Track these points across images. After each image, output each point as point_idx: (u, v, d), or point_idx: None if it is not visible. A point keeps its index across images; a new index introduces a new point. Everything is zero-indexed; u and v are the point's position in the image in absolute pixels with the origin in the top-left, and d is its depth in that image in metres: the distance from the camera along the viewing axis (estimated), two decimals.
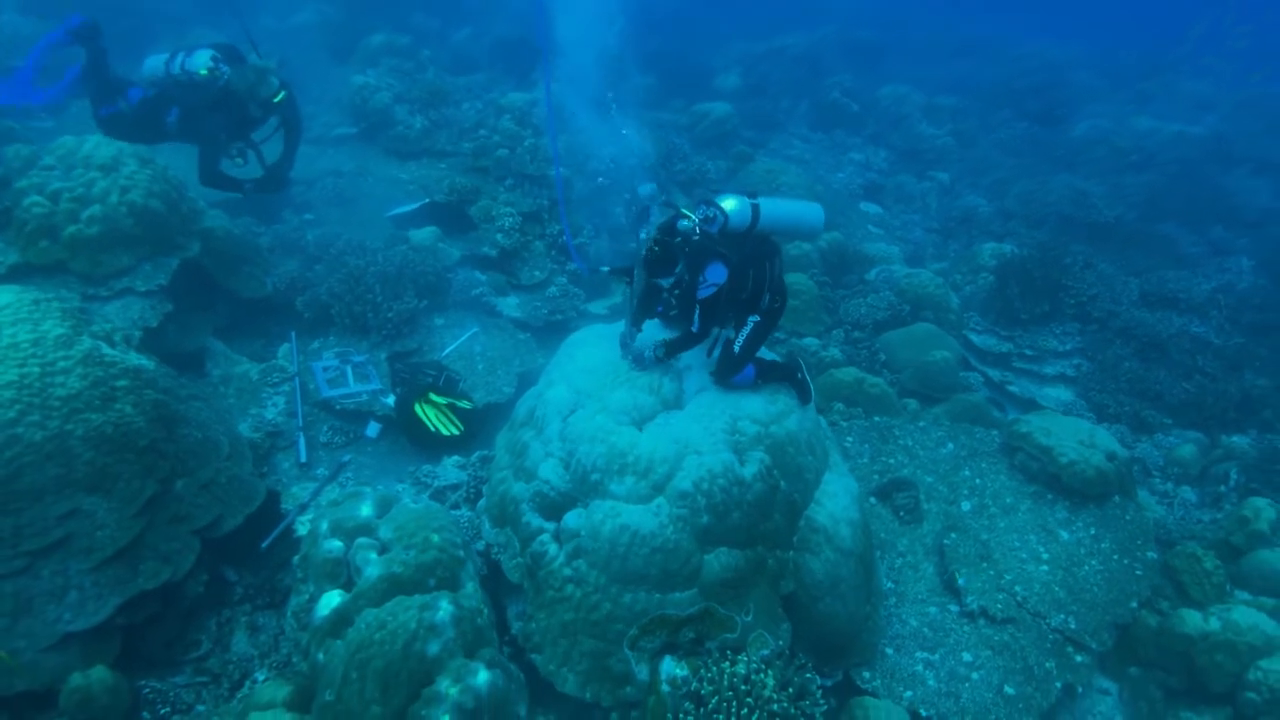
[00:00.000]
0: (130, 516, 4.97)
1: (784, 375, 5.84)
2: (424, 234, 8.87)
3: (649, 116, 14.96)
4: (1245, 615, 6.57)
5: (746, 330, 5.48)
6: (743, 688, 4.85)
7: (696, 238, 5.22)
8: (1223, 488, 8.71)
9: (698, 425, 5.33)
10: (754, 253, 5.38)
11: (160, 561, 5.05)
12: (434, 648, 4.56)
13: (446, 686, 4.49)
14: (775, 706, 4.85)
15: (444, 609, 4.69)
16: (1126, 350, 10.90)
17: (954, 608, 6.68)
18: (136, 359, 5.57)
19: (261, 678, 5.26)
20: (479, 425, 7.20)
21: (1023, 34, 27.46)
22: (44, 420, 4.74)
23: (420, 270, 8.13)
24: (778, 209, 5.49)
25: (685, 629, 5.05)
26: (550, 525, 5.28)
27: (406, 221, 9.35)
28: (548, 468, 5.33)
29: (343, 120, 11.39)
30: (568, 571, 5.09)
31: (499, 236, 9.23)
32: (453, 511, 6.01)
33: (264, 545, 5.61)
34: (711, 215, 5.30)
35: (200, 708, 5.01)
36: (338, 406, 7.06)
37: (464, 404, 7.17)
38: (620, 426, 5.28)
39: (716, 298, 5.30)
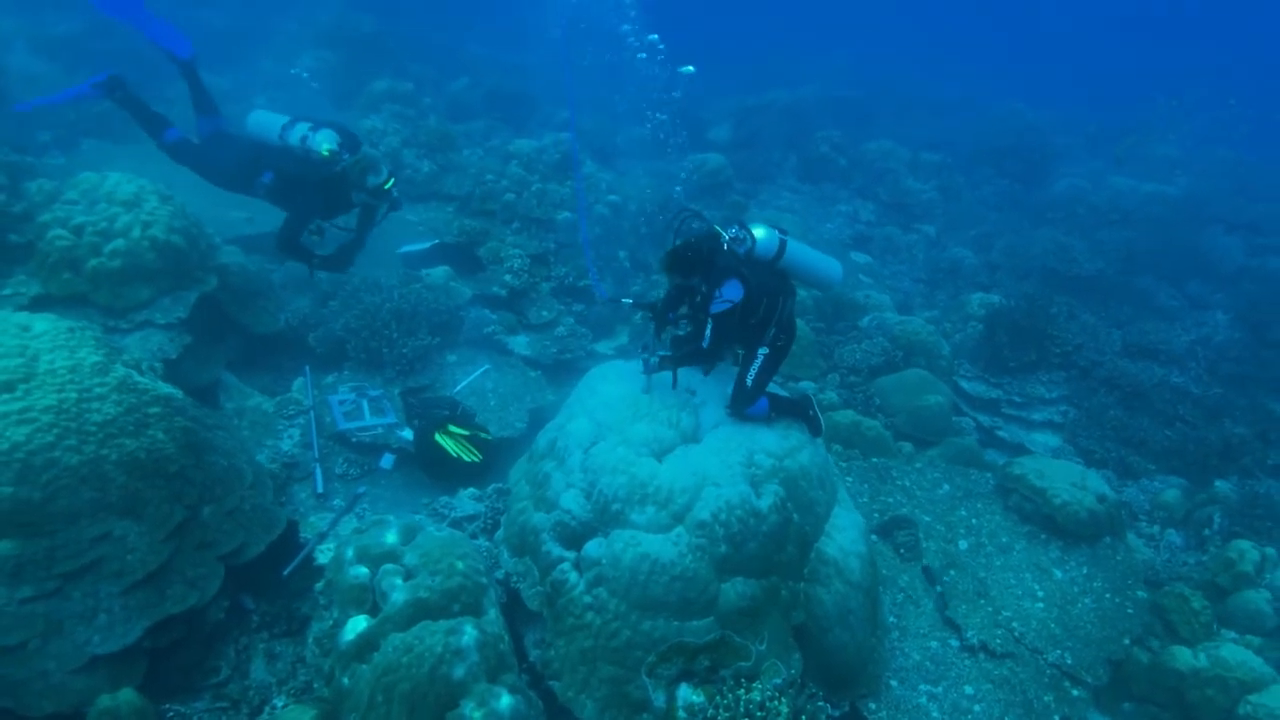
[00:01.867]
0: (160, 541, 5.05)
1: (797, 411, 6.05)
2: (437, 273, 9.07)
3: (645, 166, 15.34)
4: (1234, 652, 6.79)
5: (757, 363, 5.69)
6: (758, 714, 4.96)
7: (724, 250, 5.47)
8: (1207, 531, 8.95)
9: (716, 458, 5.51)
10: (771, 285, 5.61)
11: (187, 586, 5.12)
12: (459, 672, 4.66)
13: (471, 710, 4.58)
14: None
15: (469, 633, 4.80)
16: (1111, 399, 11.21)
17: (955, 642, 6.84)
18: (166, 387, 5.70)
19: (280, 704, 5.31)
20: (493, 458, 7.33)
21: (998, 96, 28.37)
22: (80, 445, 4.84)
23: (433, 308, 8.33)
24: (803, 251, 5.76)
25: (701, 656, 5.16)
26: (570, 554, 5.40)
27: (417, 260, 9.55)
28: (569, 498, 5.47)
29: None
30: (588, 599, 5.21)
31: (508, 277, 9.46)
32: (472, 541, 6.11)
33: (286, 572, 5.69)
34: (741, 236, 5.56)
35: None
36: (354, 439, 7.18)
37: (485, 435, 7.31)
38: (641, 458, 5.45)
39: (729, 315, 5.52)
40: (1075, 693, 6.64)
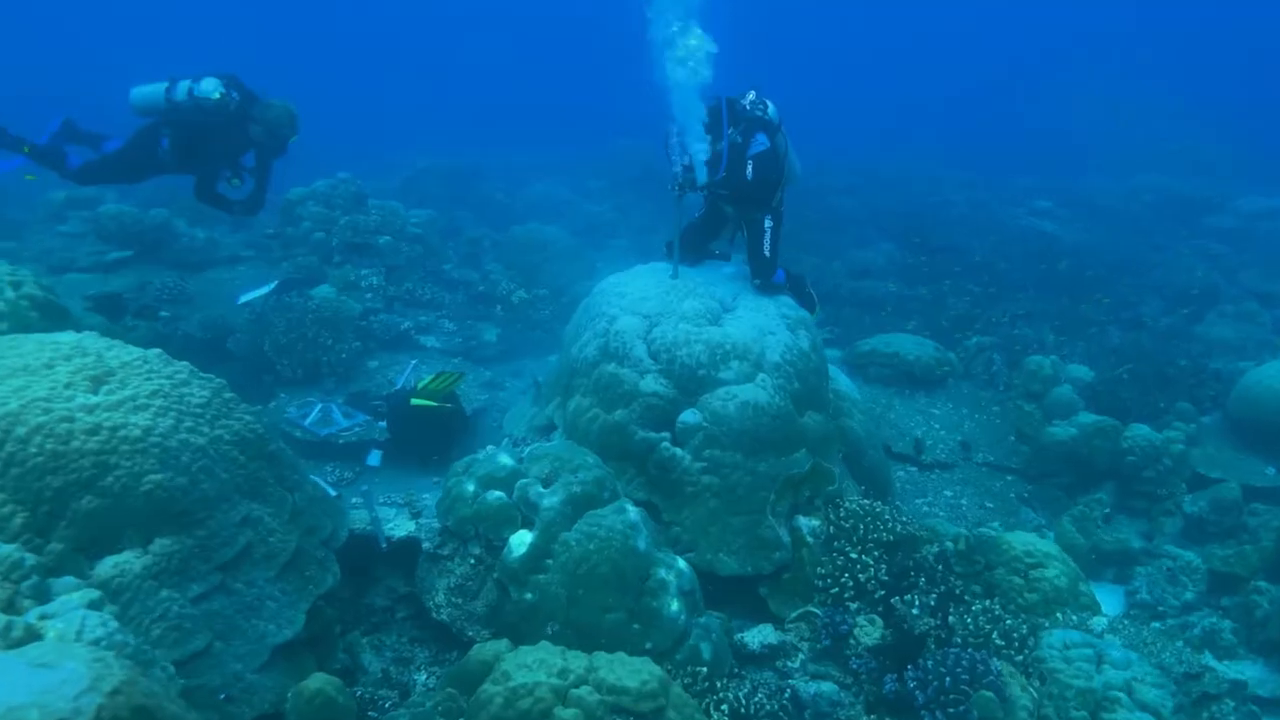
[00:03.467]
0: (286, 522, 4.66)
1: (801, 286, 6.80)
2: (323, 290, 8.57)
3: None
4: (1088, 416, 8.57)
5: (767, 234, 6.40)
6: (866, 519, 5.61)
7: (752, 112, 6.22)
8: (994, 369, 10.96)
9: (759, 315, 6.15)
10: (783, 146, 6.41)
11: (319, 568, 4.77)
12: (642, 543, 4.86)
13: (664, 573, 4.83)
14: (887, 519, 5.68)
15: (632, 510, 5.02)
16: (855, 312, 13.26)
17: (913, 468, 7.95)
18: None
19: (421, 679, 5.06)
20: (467, 429, 7.16)
21: None
22: (197, 425, 4.38)
23: (350, 315, 7.97)
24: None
25: (803, 487, 5.72)
26: (664, 434, 5.68)
27: (262, 305, 8.90)
28: (649, 383, 5.75)
29: (106, 246, 10.25)
30: (699, 464, 5.54)
31: (369, 296, 9.14)
32: None
33: (385, 546, 5.36)
34: (760, 101, 6.28)
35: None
36: (340, 441, 6.72)
37: (460, 386, 7.06)
38: (703, 328, 5.91)
39: (765, 156, 6.23)
40: (1009, 478, 8.06)
